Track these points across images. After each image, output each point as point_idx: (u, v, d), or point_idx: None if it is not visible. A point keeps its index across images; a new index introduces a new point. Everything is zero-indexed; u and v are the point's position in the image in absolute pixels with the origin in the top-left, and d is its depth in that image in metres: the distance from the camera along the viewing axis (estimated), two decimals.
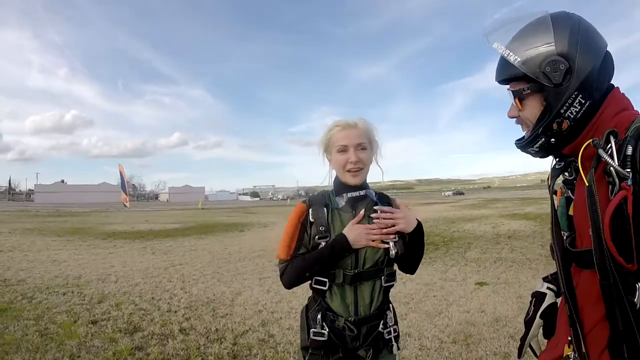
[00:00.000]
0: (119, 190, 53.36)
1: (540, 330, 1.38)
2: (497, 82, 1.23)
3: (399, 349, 1.79)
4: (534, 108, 1.13)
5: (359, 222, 1.67)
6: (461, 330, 4.37)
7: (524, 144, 1.19)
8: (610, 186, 0.97)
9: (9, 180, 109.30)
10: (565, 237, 1.23)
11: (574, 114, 1.06)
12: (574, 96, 1.05)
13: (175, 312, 5.34)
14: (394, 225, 1.66)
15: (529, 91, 1.11)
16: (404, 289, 6.22)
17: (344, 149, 1.69)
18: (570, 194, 1.23)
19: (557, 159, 1.25)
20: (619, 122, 1.03)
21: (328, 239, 1.66)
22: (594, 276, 1.04)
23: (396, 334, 1.79)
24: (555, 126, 1.09)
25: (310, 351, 1.68)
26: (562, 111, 1.07)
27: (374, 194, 1.79)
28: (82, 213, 33.49)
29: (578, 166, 1.13)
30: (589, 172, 1.00)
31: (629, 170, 0.93)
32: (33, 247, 11.73)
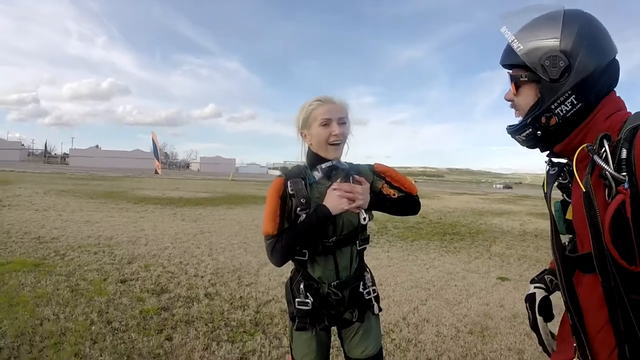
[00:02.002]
0: (151, 158, 54.50)
1: (549, 329, 1.39)
2: (500, 65, 1.24)
3: (380, 309, 1.91)
4: (528, 97, 1.14)
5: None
6: (478, 322, 4.32)
7: (513, 130, 1.20)
8: (606, 189, 0.97)
9: (45, 144, 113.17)
10: (567, 242, 1.26)
11: (564, 112, 1.07)
12: (566, 95, 1.05)
13: (202, 277, 5.47)
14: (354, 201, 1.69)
15: (526, 79, 1.13)
16: (427, 275, 6.21)
17: (327, 122, 1.73)
18: (566, 197, 1.24)
19: (550, 164, 1.25)
20: (612, 124, 1.04)
21: (308, 211, 1.69)
22: (596, 280, 1.04)
23: (375, 294, 1.89)
24: (543, 120, 1.10)
25: (297, 320, 1.78)
26: (552, 107, 1.08)
27: (345, 164, 1.85)
28: (115, 178, 34.45)
29: (572, 170, 1.14)
30: (585, 178, 0.99)
31: (624, 174, 0.93)
32: (67, 207, 12.16)
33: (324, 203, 1.67)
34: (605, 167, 0.95)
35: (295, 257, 1.77)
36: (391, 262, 6.99)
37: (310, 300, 1.75)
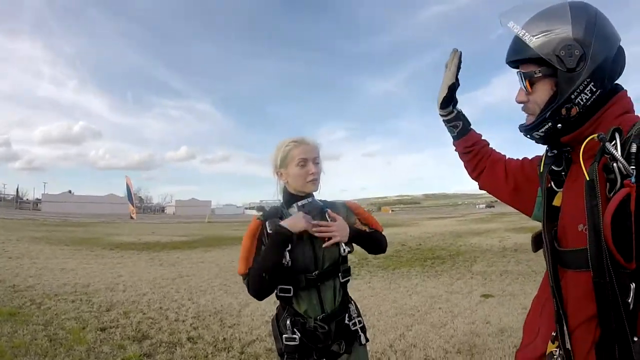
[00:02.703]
0: (126, 202, 53.51)
1: None
2: (507, 64, 1.26)
3: (367, 340, 1.94)
4: (543, 92, 1.15)
5: None
6: (466, 341, 4.40)
7: (529, 128, 1.21)
8: (608, 184, 0.98)
9: (17, 189, 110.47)
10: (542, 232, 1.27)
11: (584, 100, 1.08)
12: (585, 83, 1.07)
13: (183, 321, 5.43)
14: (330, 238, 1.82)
15: (540, 74, 1.14)
16: (410, 302, 6.28)
17: (304, 163, 1.85)
18: (554, 185, 1.24)
19: (551, 148, 1.27)
20: (622, 123, 1.04)
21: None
22: (579, 276, 1.09)
23: (361, 325, 1.93)
24: (564, 111, 1.11)
25: (285, 356, 1.81)
26: (572, 97, 1.08)
27: (319, 201, 1.97)
28: (90, 223, 33.82)
29: (572, 158, 1.20)
30: (591, 166, 0.99)
31: (633, 167, 0.94)
32: (41, 255, 11.91)
33: (282, 223, 1.74)
34: (617, 155, 0.95)
35: (280, 295, 1.82)
36: (373, 292, 7.05)
37: (297, 335, 1.78)
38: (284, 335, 1.80)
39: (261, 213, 1.90)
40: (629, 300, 0.94)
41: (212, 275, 9.21)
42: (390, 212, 76.96)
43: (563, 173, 1.23)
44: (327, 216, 1.88)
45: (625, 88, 1.15)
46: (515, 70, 1.24)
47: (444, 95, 1.56)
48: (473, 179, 1.68)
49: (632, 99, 1.16)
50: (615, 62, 1.09)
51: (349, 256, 1.94)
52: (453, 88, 1.55)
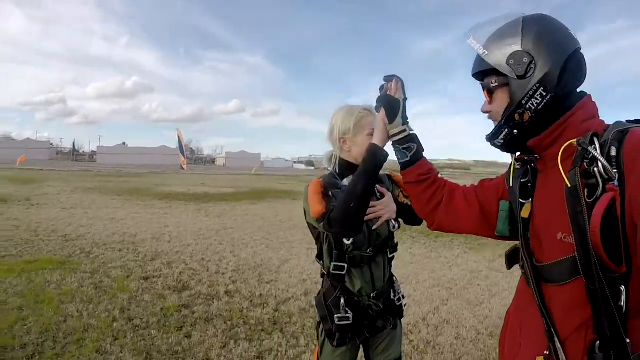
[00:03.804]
0: (177, 154, 55.36)
1: None
2: (472, 77, 1.30)
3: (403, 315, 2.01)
4: (501, 101, 1.20)
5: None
6: (500, 325, 4.28)
7: (490, 136, 1.25)
8: (587, 190, 0.98)
9: (73, 143, 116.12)
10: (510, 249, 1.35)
11: (535, 105, 1.12)
12: (535, 88, 1.11)
13: (223, 274, 5.61)
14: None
15: (496, 84, 1.19)
16: (449, 274, 6.18)
17: (372, 133, 1.72)
18: (520, 198, 1.25)
19: (516, 159, 1.31)
20: (591, 128, 1.07)
21: None
22: (562, 287, 1.08)
23: (404, 299, 1.98)
24: (517, 117, 1.16)
25: (338, 336, 1.78)
26: (523, 102, 1.13)
27: None
28: (142, 174, 35.18)
29: (538, 167, 1.23)
30: (572, 172, 1.01)
31: (615, 171, 0.95)
32: (93, 205, 12.54)
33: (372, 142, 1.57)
34: (601, 158, 0.96)
35: (333, 272, 1.79)
36: (414, 259, 6.99)
37: (350, 314, 1.77)
38: (336, 315, 1.77)
39: (320, 178, 1.82)
40: (621, 304, 0.96)
41: (255, 228, 9.44)
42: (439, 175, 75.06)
43: (529, 184, 1.25)
44: (376, 191, 1.82)
45: (588, 93, 1.18)
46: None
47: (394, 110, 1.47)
48: (426, 214, 1.51)
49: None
50: (568, 68, 1.11)
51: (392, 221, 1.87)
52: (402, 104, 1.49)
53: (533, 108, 1.13)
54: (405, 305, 1.97)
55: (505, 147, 1.26)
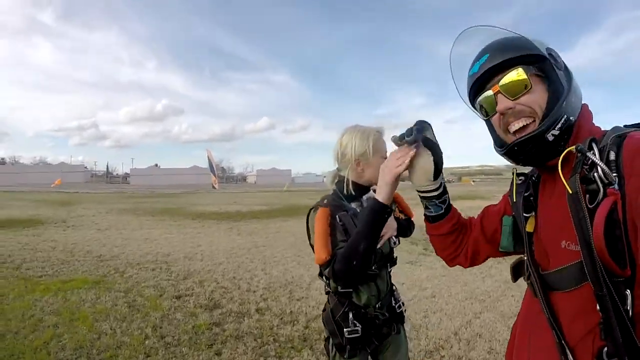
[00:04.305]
0: (208, 173, 56.23)
1: None
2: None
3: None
4: (540, 98, 1.14)
5: None
6: None
7: (519, 148, 1.16)
8: (588, 195, 0.98)
9: (107, 165, 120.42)
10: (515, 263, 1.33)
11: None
12: (571, 88, 1.11)
13: (254, 292, 5.66)
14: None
15: (534, 71, 1.15)
16: (482, 285, 6.05)
17: (386, 156, 1.85)
18: (523, 212, 1.25)
19: (517, 174, 1.31)
20: (592, 134, 1.06)
21: None
22: (568, 295, 1.07)
23: (404, 306, 2.08)
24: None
25: (349, 349, 1.85)
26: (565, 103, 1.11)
27: None
28: (174, 194, 35.89)
29: (542, 177, 1.23)
30: (572, 178, 1.01)
31: (615, 174, 0.96)
32: (127, 226, 12.88)
33: (378, 197, 1.53)
34: (599, 163, 0.96)
35: (341, 290, 1.87)
36: (446, 272, 6.87)
37: (359, 327, 1.83)
38: (345, 329, 1.84)
39: (325, 201, 1.86)
40: (627, 308, 0.94)
41: (287, 245, 9.49)
42: (472, 183, 73.98)
43: (532, 198, 1.25)
44: None
45: (584, 103, 1.17)
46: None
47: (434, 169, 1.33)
48: (449, 259, 1.49)
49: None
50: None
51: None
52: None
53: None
54: (405, 311, 2.07)
55: (527, 161, 1.20)
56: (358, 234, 1.59)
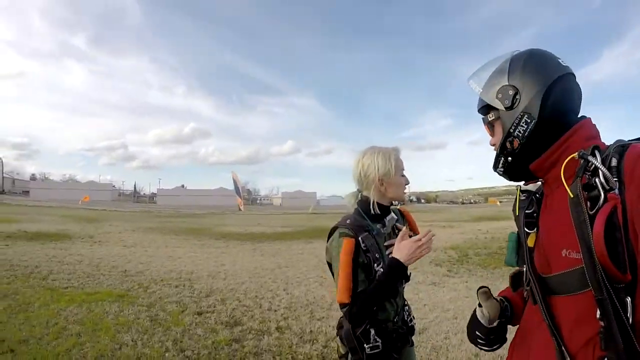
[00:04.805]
0: (234, 195, 56.74)
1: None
2: (478, 113, 1.40)
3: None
4: (499, 133, 1.29)
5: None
6: None
7: (493, 166, 1.34)
8: (589, 202, 1.01)
9: (134, 185, 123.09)
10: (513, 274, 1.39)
11: (522, 132, 1.21)
12: (519, 116, 1.20)
13: (275, 311, 5.68)
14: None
15: (493, 117, 1.30)
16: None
17: (403, 172, 1.97)
18: (527, 228, 1.30)
19: (521, 191, 1.36)
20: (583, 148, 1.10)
21: (382, 264, 1.81)
22: (567, 301, 1.10)
23: (414, 319, 2.11)
24: (508, 145, 1.25)
25: None
26: (511, 130, 1.23)
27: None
28: (200, 215, 36.35)
29: (544, 191, 1.28)
30: (573, 183, 1.05)
31: (616, 179, 0.99)
32: (153, 244, 13.11)
33: (396, 255, 1.76)
34: (601, 167, 1.00)
35: None
36: (469, 293, 6.78)
37: (380, 342, 1.83)
38: (366, 345, 1.83)
39: (346, 230, 1.86)
40: (628, 315, 0.95)
41: (310, 267, 9.49)
42: (498, 203, 73.19)
43: (535, 214, 1.30)
44: (395, 228, 1.98)
45: (588, 116, 1.24)
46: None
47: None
48: None
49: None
50: (553, 93, 1.17)
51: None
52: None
53: (520, 135, 1.21)
54: (415, 325, 2.09)
55: (507, 175, 1.33)
56: (378, 288, 1.74)
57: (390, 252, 1.82)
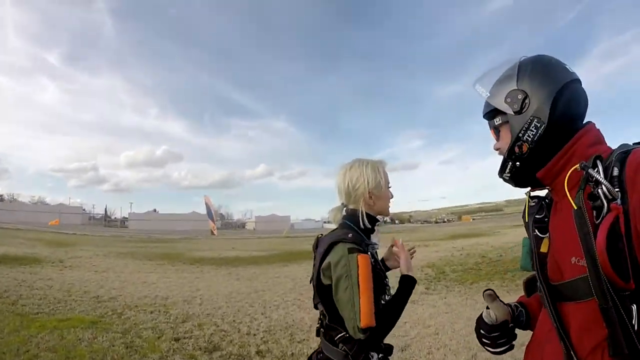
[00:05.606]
0: (207, 219, 56.02)
1: None
2: (483, 118, 1.43)
3: None
4: (506, 137, 1.30)
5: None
6: None
7: (499, 171, 1.35)
8: (594, 212, 1.02)
9: (105, 209, 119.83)
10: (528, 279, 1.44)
11: (531, 136, 1.22)
12: (529, 121, 1.21)
13: (254, 335, 5.61)
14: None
15: (500, 122, 1.31)
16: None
17: (390, 186, 1.96)
18: (539, 232, 1.32)
19: (530, 197, 1.39)
20: (599, 152, 1.12)
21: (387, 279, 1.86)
22: (576, 308, 1.11)
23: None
24: (517, 149, 1.26)
25: None
26: (520, 135, 1.24)
27: None
28: (173, 240, 35.74)
29: (553, 197, 1.29)
30: (577, 195, 1.06)
31: (617, 190, 1.00)
32: (125, 269, 12.81)
33: (403, 270, 1.82)
34: (602, 180, 1.01)
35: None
36: (449, 309, 6.86)
37: None
38: None
39: (354, 245, 1.72)
40: (633, 323, 0.96)
41: (286, 290, 9.42)
42: (471, 220, 75.03)
43: (546, 219, 1.31)
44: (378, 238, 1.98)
45: (592, 122, 1.26)
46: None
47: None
48: None
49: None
50: (562, 99, 1.19)
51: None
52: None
53: (530, 139, 1.22)
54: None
55: (514, 181, 1.34)
56: (398, 307, 1.75)
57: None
